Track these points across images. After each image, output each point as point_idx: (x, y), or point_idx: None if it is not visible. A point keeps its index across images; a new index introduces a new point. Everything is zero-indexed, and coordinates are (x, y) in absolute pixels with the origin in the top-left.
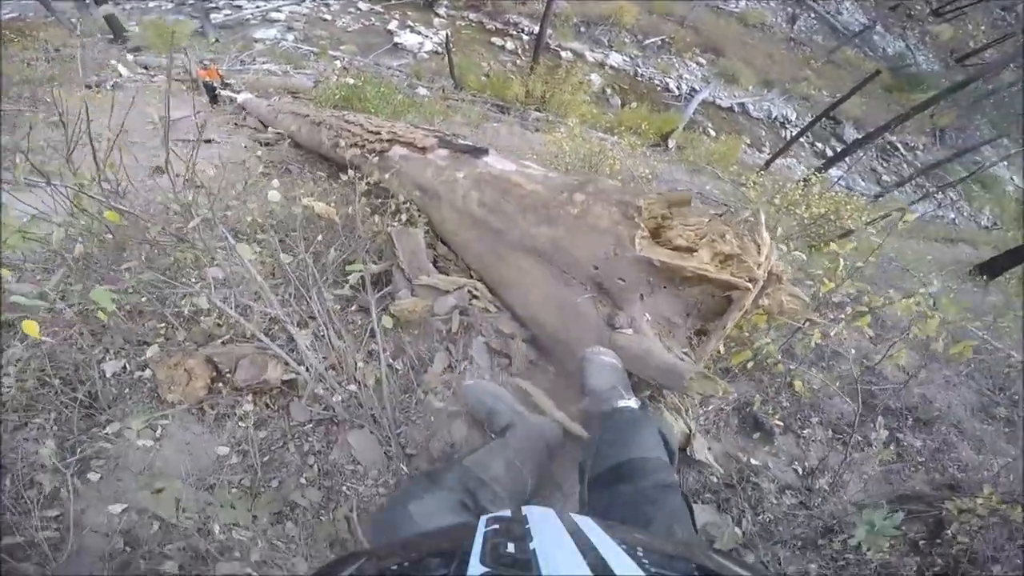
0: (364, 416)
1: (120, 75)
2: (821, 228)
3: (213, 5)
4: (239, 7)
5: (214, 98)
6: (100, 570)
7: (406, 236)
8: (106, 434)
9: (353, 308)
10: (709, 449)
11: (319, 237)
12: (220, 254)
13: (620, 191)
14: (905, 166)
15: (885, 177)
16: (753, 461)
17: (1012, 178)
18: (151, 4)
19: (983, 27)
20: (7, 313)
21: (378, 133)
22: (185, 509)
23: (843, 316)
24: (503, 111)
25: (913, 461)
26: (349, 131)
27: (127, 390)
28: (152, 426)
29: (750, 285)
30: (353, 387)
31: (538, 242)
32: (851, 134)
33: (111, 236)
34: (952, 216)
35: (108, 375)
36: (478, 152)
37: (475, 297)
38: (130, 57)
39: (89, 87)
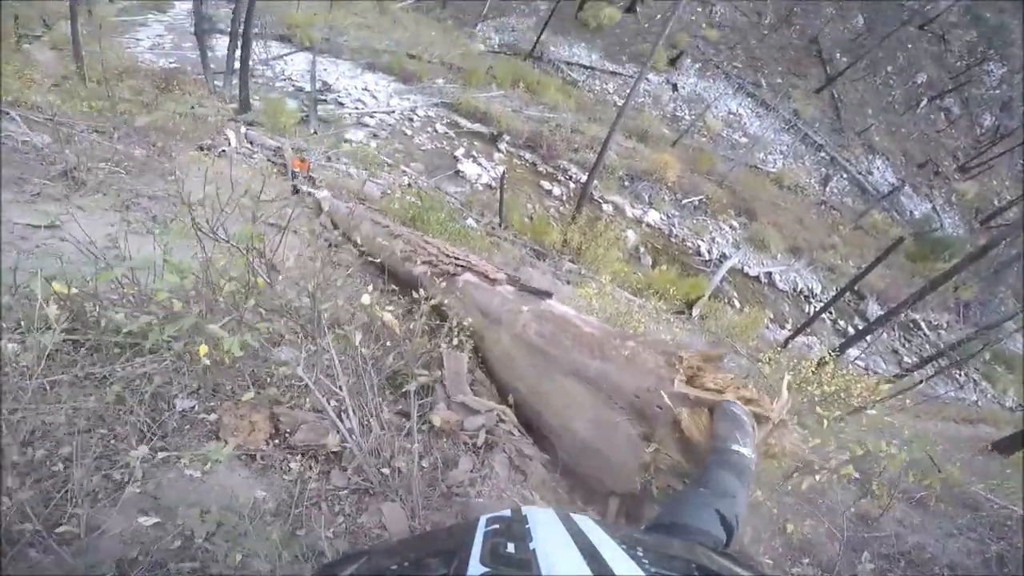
0: (397, 493)
1: (229, 143)
2: (831, 405)
3: (323, 97)
4: (342, 104)
5: (295, 188)
6: (107, 571)
7: (454, 358)
8: (155, 457)
9: (396, 410)
10: None
11: (387, 343)
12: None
13: (665, 344)
14: (927, 346)
15: (906, 358)
16: None
17: None
18: (278, 84)
19: (1007, 182)
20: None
21: (456, 259)
22: (214, 534)
23: (828, 467)
24: (539, 256)
25: None
26: (426, 250)
27: (187, 426)
28: (203, 461)
29: (770, 414)
30: (387, 471)
31: (588, 371)
32: (874, 310)
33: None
34: (974, 398)
35: (178, 410)
36: (543, 295)
37: (502, 420)
38: (243, 130)
39: (201, 148)
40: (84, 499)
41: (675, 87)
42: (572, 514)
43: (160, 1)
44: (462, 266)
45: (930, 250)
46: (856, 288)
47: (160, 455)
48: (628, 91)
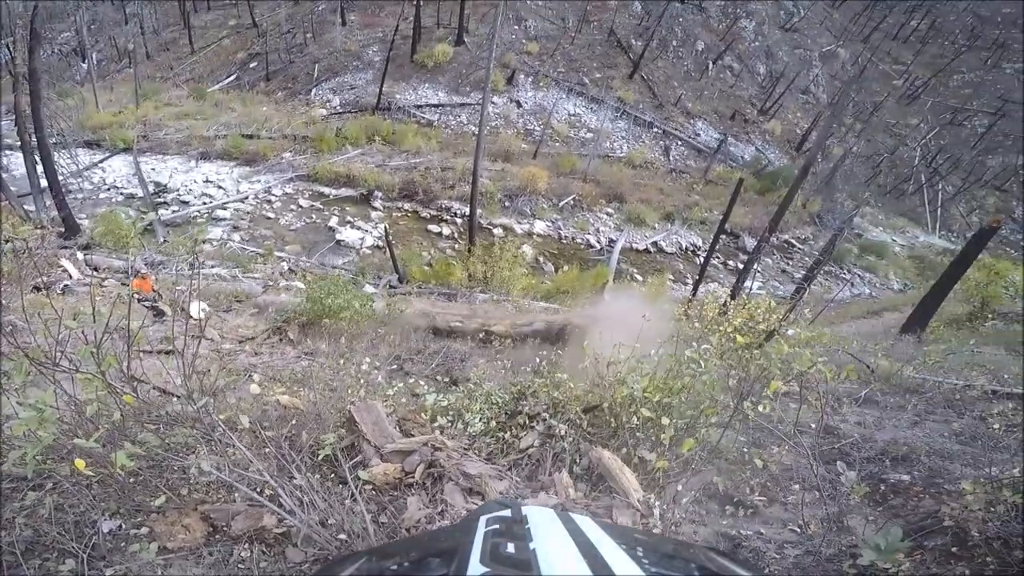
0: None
1: (70, 276)
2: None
3: (162, 200)
4: (186, 203)
5: (158, 311)
6: None
7: (365, 410)
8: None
9: (332, 477)
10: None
11: (293, 421)
12: (216, 434)
13: None
14: (807, 259)
15: (796, 275)
16: (744, 532)
17: (894, 240)
18: (102, 195)
19: (799, 113)
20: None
21: None
22: None
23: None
24: (450, 298)
25: (911, 492)
26: None
27: (123, 544)
28: (152, 568)
29: None
30: (343, 536)
31: None
32: (750, 243)
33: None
34: (867, 291)
35: (105, 531)
36: None
37: (438, 449)
38: (80, 256)
39: (39, 289)
40: None
41: (518, 104)
42: (572, 514)
43: None
44: None
45: (770, 182)
46: (728, 230)
47: (108, 571)
48: (479, 119)
